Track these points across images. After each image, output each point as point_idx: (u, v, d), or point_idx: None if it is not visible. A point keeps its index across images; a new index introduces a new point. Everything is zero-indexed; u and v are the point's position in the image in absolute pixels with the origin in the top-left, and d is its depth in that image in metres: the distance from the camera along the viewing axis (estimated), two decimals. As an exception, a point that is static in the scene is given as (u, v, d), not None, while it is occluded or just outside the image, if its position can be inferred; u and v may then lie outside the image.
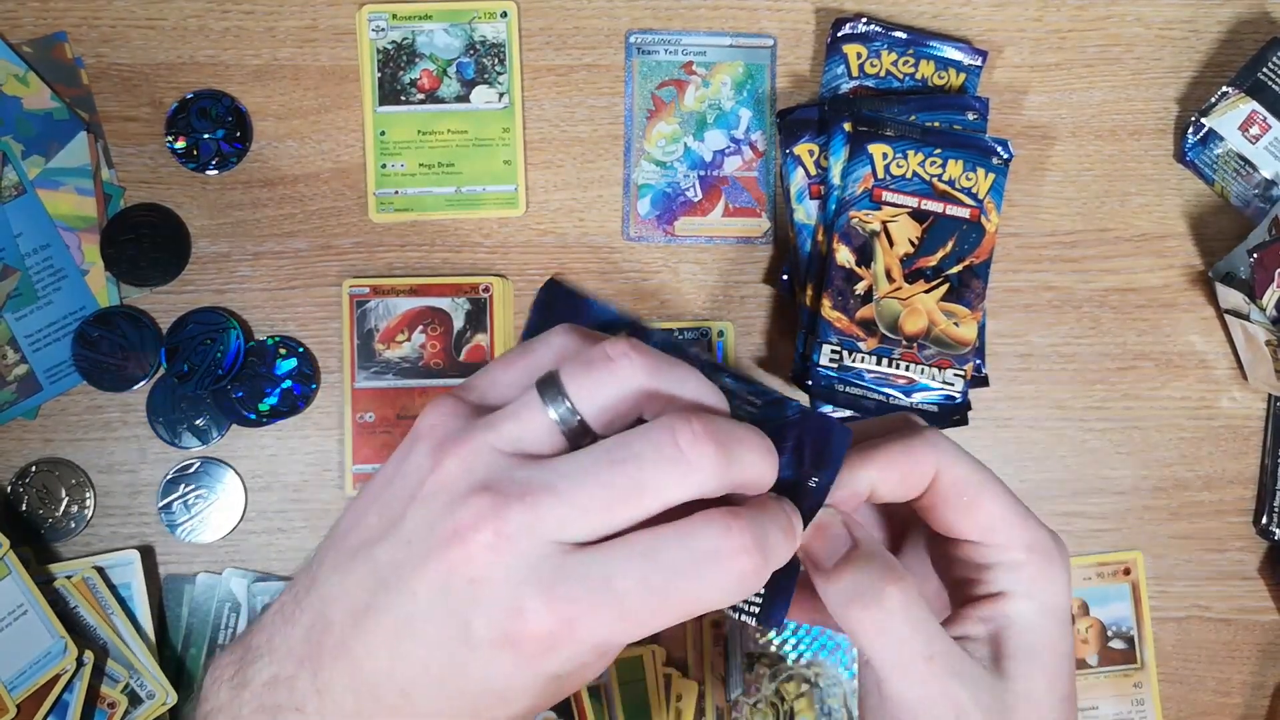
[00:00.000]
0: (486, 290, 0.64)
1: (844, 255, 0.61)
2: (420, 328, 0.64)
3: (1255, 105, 0.63)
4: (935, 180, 0.61)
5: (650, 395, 0.30)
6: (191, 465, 0.64)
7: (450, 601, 0.28)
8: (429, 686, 0.29)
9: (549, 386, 0.30)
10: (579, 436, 0.30)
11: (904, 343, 0.61)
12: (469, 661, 0.28)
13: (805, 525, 0.32)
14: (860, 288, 0.61)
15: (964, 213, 0.61)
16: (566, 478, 0.28)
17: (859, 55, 0.64)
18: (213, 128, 0.64)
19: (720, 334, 0.65)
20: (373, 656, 0.29)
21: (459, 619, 0.28)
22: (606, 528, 0.28)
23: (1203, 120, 0.64)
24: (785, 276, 0.65)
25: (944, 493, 0.35)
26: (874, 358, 0.61)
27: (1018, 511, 0.35)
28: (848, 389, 0.61)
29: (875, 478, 0.35)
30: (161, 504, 0.63)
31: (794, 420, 0.32)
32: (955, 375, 0.61)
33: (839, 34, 0.64)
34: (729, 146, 0.66)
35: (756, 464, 0.30)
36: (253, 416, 0.64)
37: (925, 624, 0.33)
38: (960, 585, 0.36)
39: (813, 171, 0.63)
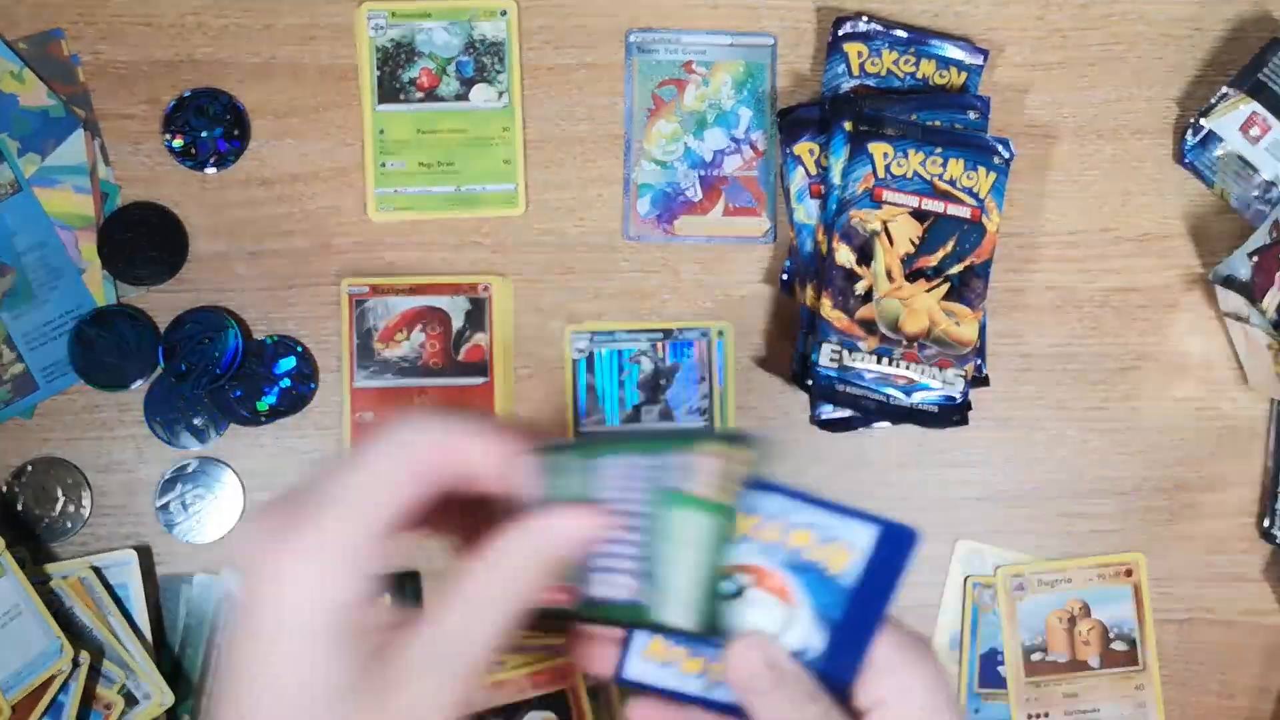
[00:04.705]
0: (486, 290, 0.64)
1: (844, 255, 0.61)
2: (419, 327, 0.63)
3: (1256, 106, 0.63)
4: (936, 180, 0.61)
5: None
6: (189, 465, 0.63)
7: None
8: None
9: None
10: None
11: (904, 342, 0.61)
12: None
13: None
14: (860, 287, 0.61)
15: (965, 212, 0.61)
16: None
17: (860, 54, 0.64)
18: (210, 126, 0.64)
19: (720, 334, 0.64)
20: None
21: None
22: None
23: (1202, 122, 0.64)
24: (785, 276, 0.64)
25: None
26: (874, 358, 0.61)
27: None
28: (848, 389, 0.61)
29: None
30: (159, 504, 0.63)
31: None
32: (956, 375, 0.61)
33: (840, 33, 0.64)
34: (729, 146, 0.66)
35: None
36: (251, 416, 0.63)
37: None
38: None
39: (813, 171, 0.63)
